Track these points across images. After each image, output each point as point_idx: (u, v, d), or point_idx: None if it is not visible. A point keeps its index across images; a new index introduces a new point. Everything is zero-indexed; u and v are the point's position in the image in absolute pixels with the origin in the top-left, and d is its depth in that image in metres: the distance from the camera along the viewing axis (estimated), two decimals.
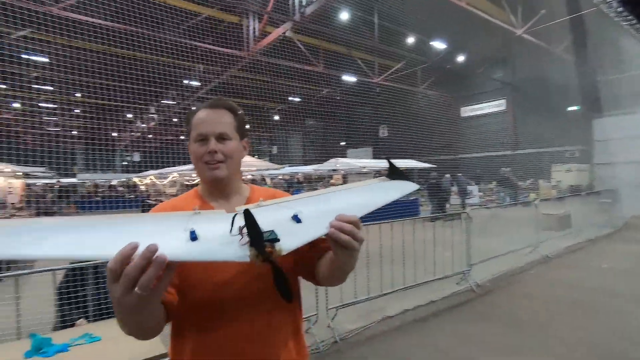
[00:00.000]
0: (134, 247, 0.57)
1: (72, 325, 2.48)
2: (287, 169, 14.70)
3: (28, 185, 11.97)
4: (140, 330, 0.76)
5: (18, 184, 10.45)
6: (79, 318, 2.53)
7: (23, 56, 12.23)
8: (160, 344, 2.02)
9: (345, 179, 15.38)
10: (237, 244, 0.62)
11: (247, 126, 1.10)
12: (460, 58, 16.90)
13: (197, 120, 0.98)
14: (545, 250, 6.10)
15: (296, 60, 13.19)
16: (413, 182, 1.07)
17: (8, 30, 10.25)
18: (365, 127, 16.83)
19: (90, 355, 1.90)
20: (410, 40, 14.68)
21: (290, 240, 0.65)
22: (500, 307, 4.06)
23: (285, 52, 12.43)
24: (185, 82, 15.87)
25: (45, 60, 12.89)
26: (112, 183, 19.98)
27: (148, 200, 15.02)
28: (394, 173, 1.06)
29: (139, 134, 20.91)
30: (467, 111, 19.11)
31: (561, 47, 13.29)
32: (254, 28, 12.50)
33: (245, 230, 0.61)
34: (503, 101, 17.71)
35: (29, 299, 2.45)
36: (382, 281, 3.95)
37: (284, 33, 11.65)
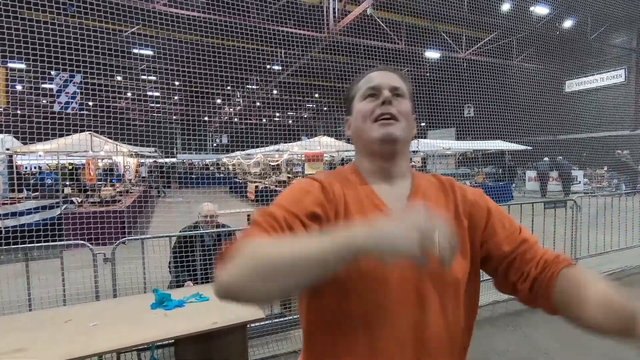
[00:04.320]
0: None
1: (182, 286, 2.83)
2: None
3: (140, 164, 13.81)
4: (281, 292, 0.60)
5: (133, 162, 12.10)
6: (188, 279, 2.88)
7: (134, 50, 13.96)
8: (259, 310, 2.19)
9: (424, 161, 14.73)
10: None
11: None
12: (568, 23, 14.62)
13: (366, 79, 0.85)
14: None
15: (376, 38, 12.79)
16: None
17: (121, 28, 11.75)
18: (448, 107, 15.73)
19: (201, 312, 2.15)
20: (506, 7, 13.14)
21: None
22: None
23: (366, 30, 12.10)
24: (268, 66, 16.54)
25: (150, 53, 14.56)
26: (205, 162, 22.07)
27: (235, 179, 16.30)
28: None
29: (226, 118, 22.61)
30: (573, 85, 16.61)
31: None
32: (335, 8, 12.38)
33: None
34: (622, 71, 14.94)
35: (149, 260, 2.84)
36: None
37: (365, 10, 11.31)
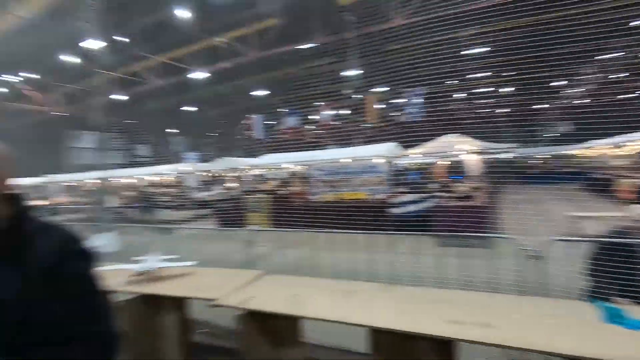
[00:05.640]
0: None
1: (606, 300, 2.40)
2: None
3: (484, 160, 13.98)
4: None
5: (478, 159, 12.39)
6: (615, 295, 2.41)
7: (462, 52, 14.32)
8: None
9: None
10: None
11: None
12: None
13: None
14: None
15: None
16: None
17: (451, 31, 12.27)
18: None
19: None
20: None
21: None
22: None
23: None
24: (633, 24, 12.15)
25: (484, 50, 14.39)
26: (545, 156, 19.67)
27: (590, 174, 13.27)
28: None
29: (569, 102, 18.99)
30: None
31: None
32: None
33: None
34: None
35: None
36: None
37: None
